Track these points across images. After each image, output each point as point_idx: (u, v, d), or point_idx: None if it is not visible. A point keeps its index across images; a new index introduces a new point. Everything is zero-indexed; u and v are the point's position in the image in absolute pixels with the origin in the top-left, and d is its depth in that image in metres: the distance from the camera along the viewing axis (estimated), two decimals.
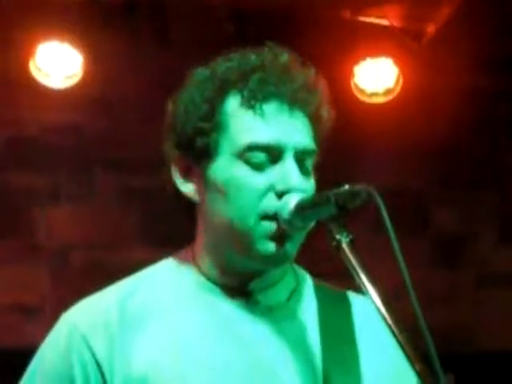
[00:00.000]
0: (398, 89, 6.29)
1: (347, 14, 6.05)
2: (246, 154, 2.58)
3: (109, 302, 2.68)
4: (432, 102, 6.32)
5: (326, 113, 2.65)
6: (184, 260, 2.75)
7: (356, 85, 6.21)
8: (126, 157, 6.50)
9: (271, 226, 2.56)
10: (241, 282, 2.70)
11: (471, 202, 6.90)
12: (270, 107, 2.59)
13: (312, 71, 2.64)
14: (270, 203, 2.55)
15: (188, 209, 2.71)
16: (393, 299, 2.37)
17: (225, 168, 2.61)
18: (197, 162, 2.66)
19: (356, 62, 6.18)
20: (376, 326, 2.58)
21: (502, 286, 6.84)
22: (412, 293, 2.26)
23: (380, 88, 6.30)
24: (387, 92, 6.28)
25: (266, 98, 2.59)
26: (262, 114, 2.59)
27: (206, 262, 2.71)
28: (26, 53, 6.18)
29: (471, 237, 6.94)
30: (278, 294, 2.73)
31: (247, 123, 2.60)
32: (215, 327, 2.68)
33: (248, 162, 2.59)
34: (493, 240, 6.94)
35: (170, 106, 2.69)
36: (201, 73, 2.64)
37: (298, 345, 2.71)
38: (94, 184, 6.73)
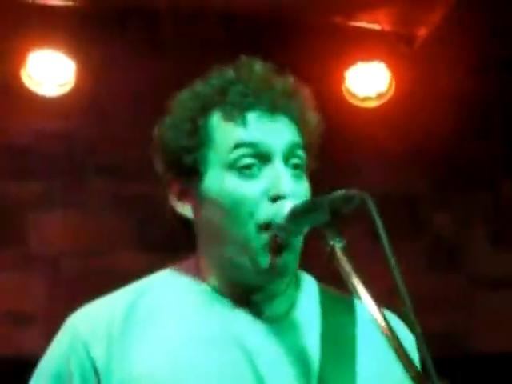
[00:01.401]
0: (391, 93, 6.31)
1: (339, 19, 6.06)
2: (233, 158, 2.60)
3: (111, 310, 2.69)
4: (425, 105, 6.35)
5: (312, 117, 2.69)
6: (186, 270, 2.77)
7: (347, 89, 6.23)
8: (118, 164, 6.51)
9: (268, 236, 2.58)
10: (245, 294, 2.70)
11: (465, 206, 6.89)
12: (252, 116, 2.63)
13: (290, 79, 2.68)
14: (266, 211, 2.57)
15: (187, 227, 2.73)
16: (388, 300, 2.41)
17: (216, 181, 2.64)
18: (189, 182, 2.69)
19: (347, 66, 6.21)
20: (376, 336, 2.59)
21: (495, 289, 6.83)
22: (405, 297, 2.25)
23: (372, 92, 6.31)
24: (379, 96, 6.33)
25: (246, 109, 2.63)
26: (245, 123, 2.62)
27: (210, 273, 2.72)
28: (18, 61, 6.17)
29: (465, 240, 6.92)
30: (282, 304, 2.73)
31: (231, 132, 2.63)
32: (215, 335, 2.68)
33: (237, 170, 2.61)
34: (486, 244, 6.95)
35: (156, 130, 2.73)
36: (183, 95, 2.71)
37: (297, 355, 2.70)
38: (85, 191, 6.73)
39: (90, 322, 2.71)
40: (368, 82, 6.31)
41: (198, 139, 2.65)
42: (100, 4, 6.09)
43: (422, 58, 6.21)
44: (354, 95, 6.23)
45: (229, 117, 2.64)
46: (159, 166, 2.73)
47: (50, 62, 6.21)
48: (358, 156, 5.98)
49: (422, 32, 6.11)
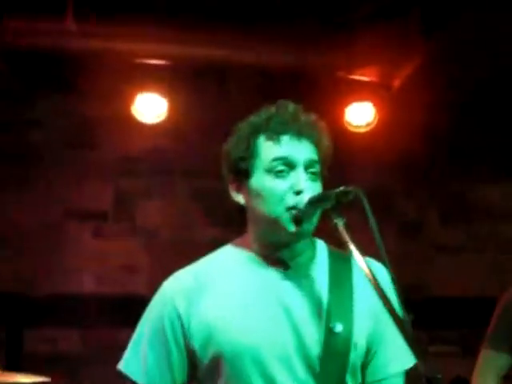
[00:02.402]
0: (375, 123, 6.20)
1: (341, 74, 5.95)
2: (271, 166, 2.65)
3: (190, 275, 2.75)
4: (398, 132, 6.26)
5: (326, 141, 2.71)
6: (239, 244, 2.78)
7: (347, 121, 6.15)
8: (195, 168, 6.41)
9: (293, 214, 2.61)
10: (277, 253, 2.70)
11: (425, 197, 6.92)
12: (284, 138, 2.65)
13: (312, 116, 2.72)
14: (291, 199, 2.61)
15: (241, 210, 2.76)
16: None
17: (260, 180, 2.67)
18: (242, 181, 2.72)
19: (347, 105, 6.16)
20: (367, 281, 2.60)
21: (447, 253, 6.83)
22: (384, 255, 2.35)
23: (363, 122, 6.21)
24: (368, 125, 6.19)
25: (281, 134, 2.66)
26: (280, 143, 2.65)
27: (254, 243, 2.74)
28: (129, 100, 6.09)
29: (424, 220, 6.99)
30: (302, 260, 2.73)
31: (270, 148, 2.66)
32: (257, 285, 2.70)
33: (274, 173, 2.64)
34: (438, 222, 6.95)
35: (224, 146, 2.75)
36: (242, 124, 2.75)
37: (312, 294, 2.70)
38: (174, 186, 6.62)
39: (175, 284, 2.75)
40: (360, 115, 6.20)
41: (249, 153, 2.67)
42: (183, 63, 5.87)
43: (396, 99, 6.08)
44: (351, 124, 6.15)
45: (269, 138, 2.66)
46: (224, 170, 2.75)
47: (151, 100, 6.11)
48: (353, 164, 5.99)
49: (397, 82, 5.98)
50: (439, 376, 2.18)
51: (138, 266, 6.45)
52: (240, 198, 2.74)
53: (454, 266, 6.82)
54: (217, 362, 2.64)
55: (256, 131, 2.70)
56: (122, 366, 2.75)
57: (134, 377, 2.72)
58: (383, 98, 6.19)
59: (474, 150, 6.82)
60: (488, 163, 6.83)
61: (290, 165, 2.64)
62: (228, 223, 2.87)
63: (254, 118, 2.73)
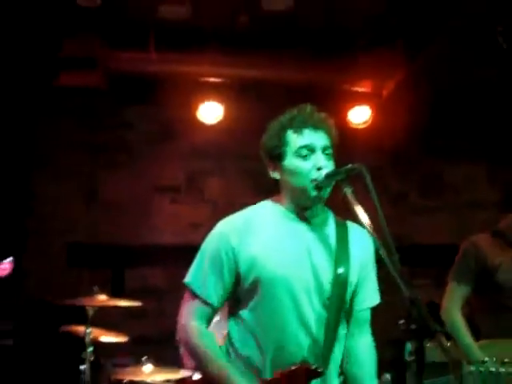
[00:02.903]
0: (370, 121, 6.20)
1: (346, 86, 6.00)
2: (298, 151, 2.65)
3: (239, 219, 2.72)
4: (387, 127, 6.17)
5: (334, 132, 2.71)
6: (275, 200, 2.76)
7: (349, 120, 6.15)
8: (244, 155, 6.22)
9: (315, 184, 2.61)
10: (303, 211, 2.71)
11: (407, 175, 6.91)
12: (306, 131, 2.66)
13: (325, 115, 2.72)
14: (313, 174, 2.62)
15: (276, 182, 2.73)
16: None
17: (290, 162, 2.66)
18: (276, 163, 2.70)
19: (350, 108, 6.14)
20: (361, 244, 2.74)
21: (425, 213, 6.84)
22: (382, 216, 2.32)
23: (361, 121, 6.20)
24: (365, 123, 6.20)
25: (303, 128, 2.66)
26: (303, 134, 2.66)
27: (286, 202, 2.72)
28: (195, 107, 6.11)
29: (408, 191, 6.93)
30: (319, 219, 2.73)
31: (296, 139, 2.66)
32: (287, 233, 2.69)
33: (300, 157, 2.65)
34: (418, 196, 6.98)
35: (262, 139, 2.74)
36: (273, 123, 2.72)
37: (327, 244, 2.70)
38: (229, 167, 6.58)
39: (229, 225, 2.70)
40: (359, 116, 6.19)
41: (281, 143, 2.67)
42: (234, 80, 5.94)
43: (385, 104, 6.10)
44: (352, 122, 6.16)
45: (295, 132, 2.66)
46: (262, 156, 2.75)
47: (211, 107, 6.13)
48: (355, 150, 5.87)
49: (385, 92, 6.03)
50: (419, 297, 2.19)
51: (201, 224, 6.31)
52: (276, 175, 2.72)
53: (431, 223, 6.73)
54: (255, 285, 2.63)
55: (284, 127, 2.69)
56: (186, 280, 2.72)
57: (194, 288, 2.68)
58: (376, 103, 6.20)
59: (444, 140, 6.73)
60: (455, 150, 6.77)
61: (311, 150, 2.65)
62: (268, 193, 2.92)
63: (282, 118, 2.73)
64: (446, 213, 6.80)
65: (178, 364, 4.59)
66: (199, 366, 2.71)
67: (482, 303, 3.98)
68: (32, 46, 5.32)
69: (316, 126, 2.68)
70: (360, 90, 6.08)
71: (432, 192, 6.87)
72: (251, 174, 6.21)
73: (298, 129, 2.67)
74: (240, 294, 2.68)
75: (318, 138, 2.67)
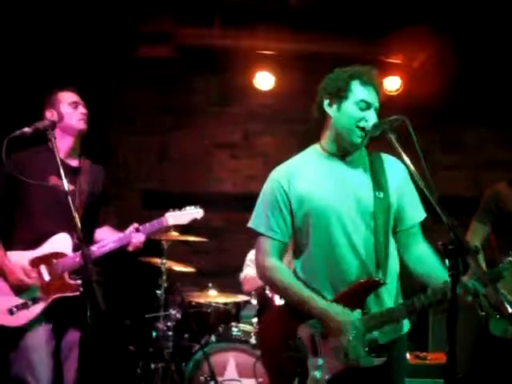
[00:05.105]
0: (401, 89, 6.17)
1: (381, 58, 5.97)
2: (358, 102, 2.59)
3: (287, 165, 2.70)
4: (416, 94, 6.00)
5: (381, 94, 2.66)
6: (319, 146, 2.70)
7: (384, 88, 5.92)
8: (292, 117, 6.14)
9: (361, 132, 2.59)
10: (344, 154, 2.67)
11: (432, 134, 6.59)
12: (370, 88, 2.60)
13: (381, 82, 2.70)
14: (363, 123, 2.58)
15: (323, 118, 2.67)
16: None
17: (348, 107, 2.61)
18: (335, 101, 2.62)
19: (385, 77, 6.06)
20: (395, 170, 2.70)
21: (446, 169, 6.52)
22: (423, 161, 2.31)
23: (393, 88, 6.18)
24: (396, 90, 6.18)
25: (369, 85, 2.60)
26: (367, 90, 2.60)
27: (328, 143, 2.67)
28: (251, 76, 6.18)
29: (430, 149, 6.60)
30: (357, 157, 2.69)
31: (361, 91, 2.60)
32: (330, 171, 2.65)
33: (358, 107, 2.60)
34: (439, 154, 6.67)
35: (322, 82, 2.66)
36: (337, 71, 2.66)
37: (364, 174, 2.67)
38: (279, 127, 6.46)
39: (280, 172, 2.67)
40: (391, 84, 6.16)
41: (347, 87, 2.59)
42: (285, 53, 5.94)
43: (415, 74, 6.07)
44: (386, 90, 6.08)
45: (362, 85, 2.59)
46: (322, 91, 2.63)
47: (264, 76, 6.20)
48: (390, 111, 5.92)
49: (416, 64, 6.03)
50: (455, 223, 2.19)
51: (256, 175, 6.34)
52: (330, 110, 2.64)
53: (451, 179, 6.49)
54: (307, 218, 2.61)
55: (353, 77, 2.61)
56: (251, 224, 2.70)
57: (260, 229, 2.67)
58: (406, 73, 6.18)
59: (465, 106, 6.45)
60: (474, 115, 6.46)
61: (368, 105, 2.60)
62: (312, 138, 2.90)
63: (351, 69, 2.64)
64: (465, 170, 6.67)
65: (235, 291, 4.90)
66: (282, 296, 2.70)
67: (502, 244, 3.97)
68: (114, 23, 5.36)
69: (376, 88, 2.64)
70: (393, 61, 6.05)
71: (453, 152, 6.72)
72: (297, 134, 6.09)
73: (364, 83, 2.61)
74: (297, 227, 2.66)
75: (374, 98, 2.63)
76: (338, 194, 2.62)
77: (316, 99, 2.70)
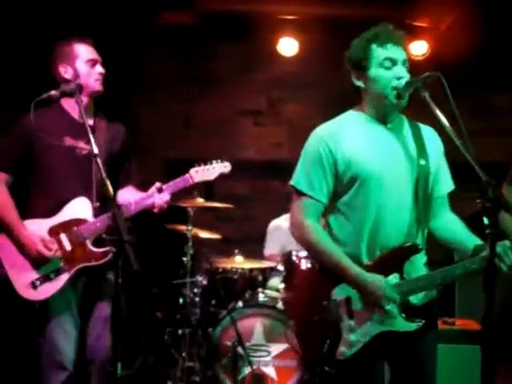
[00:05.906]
0: (427, 54, 6.10)
1: (408, 21, 5.85)
2: (382, 63, 2.57)
3: (332, 124, 2.67)
4: (442, 58, 5.91)
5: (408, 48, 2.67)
6: (358, 109, 2.68)
7: (410, 52, 5.87)
8: (315, 81, 6.11)
9: (396, 92, 2.56)
10: (384, 117, 2.65)
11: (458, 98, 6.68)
12: (389, 45, 2.58)
13: (403, 32, 2.62)
14: (395, 82, 2.56)
15: (357, 92, 2.66)
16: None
17: (374, 72, 2.59)
18: (361, 71, 2.62)
19: (411, 42, 5.94)
20: (434, 141, 2.71)
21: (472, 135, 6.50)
22: (459, 118, 2.32)
23: (420, 52, 6.10)
24: (422, 55, 6.10)
25: (386, 42, 2.58)
26: (386, 48, 2.58)
27: (368, 109, 2.66)
28: (275, 43, 6.16)
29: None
30: (396, 123, 2.68)
31: (381, 52, 2.58)
32: (373, 135, 2.64)
33: (383, 67, 2.58)
34: (467, 119, 6.59)
35: (347, 54, 2.65)
36: (359, 37, 2.63)
37: (406, 142, 2.65)
38: (303, 93, 6.33)
39: (325, 131, 2.63)
40: (418, 48, 6.08)
41: (366, 55, 2.58)
42: (308, 18, 5.88)
43: (441, 38, 5.99)
44: (412, 54, 5.98)
45: (380, 46, 2.57)
46: (348, 66, 2.64)
47: (287, 42, 6.16)
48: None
49: (442, 27, 5.96)
50: (493, 181, 2.17)
51: (281, 142, 6.39)
52: (360, 83, 2.64)
53: (479, 144, 6.45)
54: (353, 181, 2.59)
55: (370, 42, 2.60)
56: (293, 181, 2.67)
57: (301, 187, 2.63)
58: (433, 37, 6.09)
59: (493, 71, 6.39)
60: (501, 80, 6.42)
61: (393, 62, 2.58)
62: (336, 116, 2.89)
63: (367, 34, 2.64)
64: (494, 135, 6.49)
65: (260, 257, 4.95)
66: (317, 258, 2.65)
67: None
68: None
69: (397, 42, 2.60)
70: (420, 24, 5.96)
71: (481, 116, 6.55)
72: (322, 98, 6.04)
73: (382, 43, 2.59)
74: (339, 189, 2.63)
75: (398, 52, 2.60)
76: (383, 158, 2.61)
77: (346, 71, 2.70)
